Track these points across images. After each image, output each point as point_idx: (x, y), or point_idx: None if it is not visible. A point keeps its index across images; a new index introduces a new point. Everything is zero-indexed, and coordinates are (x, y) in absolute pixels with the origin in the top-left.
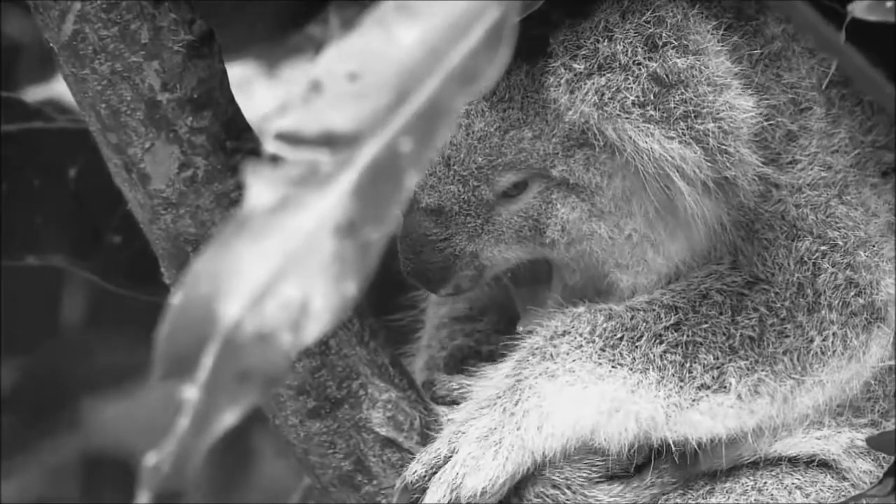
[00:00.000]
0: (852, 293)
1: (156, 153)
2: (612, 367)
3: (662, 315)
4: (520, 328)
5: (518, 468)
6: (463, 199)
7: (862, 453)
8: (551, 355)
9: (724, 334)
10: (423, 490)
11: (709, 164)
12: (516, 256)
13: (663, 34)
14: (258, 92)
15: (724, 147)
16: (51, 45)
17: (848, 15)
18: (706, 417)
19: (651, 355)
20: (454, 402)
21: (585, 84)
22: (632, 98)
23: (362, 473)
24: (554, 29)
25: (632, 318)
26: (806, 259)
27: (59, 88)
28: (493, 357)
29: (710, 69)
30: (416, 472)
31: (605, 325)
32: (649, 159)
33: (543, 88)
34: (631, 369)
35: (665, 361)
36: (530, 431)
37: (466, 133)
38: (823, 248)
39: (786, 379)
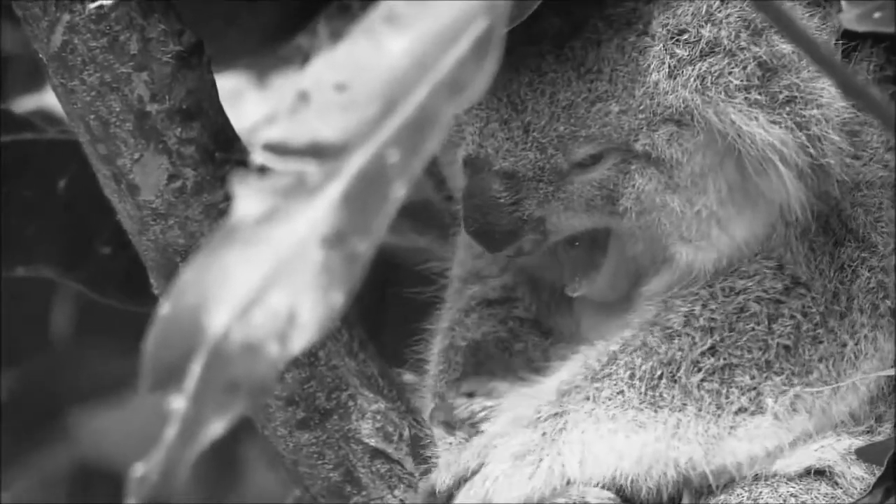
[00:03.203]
0: (881, 295)
1: (145, 164)
2: (654, 410)
3: (698, 339)
4: (568, 293)
5: (553, 491)
6: (538, 165)
7: (856, 459)
8: (594, 398)
9: (761, 348)
10: (450, 498)
11: (810, 149)
12: (582, 224)
13: (766, 21)
14: (247, 102)
15: (825, 134)
16: (40, 56)
17: (838, 27)
18: (744, 442)
19: (689, 387)
20: (475, 427)
21: (688, 69)
22: (735, 82)
23: (351, 484)
24: (647, 2)
25: (667, 351)
26: (846, 266)
27: (48, 99)
28: (525, 360)
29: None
30: (444, 481)
31: (643, 368)
32: (751, 143)
33: (637, 66)
34: (671, 409)
35: (702, 391)
36: (572, 462)
37: (550, 101)
38: (865, 254)
39: (822, 388)
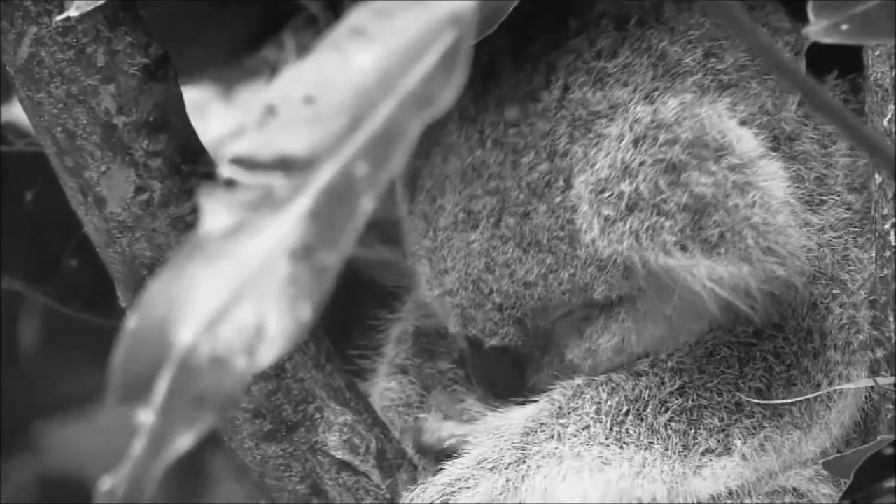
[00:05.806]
0: (854, 331)
1: (112, 176)
2: (619, 447)
3: (667, 379)
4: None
5: None
6: (522, 333)
7: (824, 479)
8: (559, 435)
9: (731, 392)
10: None
11: (757, 274)
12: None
13: (681, 156)
14: (214, 115)
15: (767, 253)
16: (7, 68)
17: (805, 40)
18: (709, 482)
19: (656, 426)
20: (442, 453)
21: (618, 226)
22: (669, 238)
23: (318, 496)
24: (563, 157)
25: (634, 388)
26: (819, 303)
27: (15, 112)
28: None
29: (735, 169)
30: None
31: (609, 403)
32: (699, 288)
33: (572, 226)
34: (637, 446)
35: (669, 431)
36: None
37: (511, 280)
38: (835, 291)
39: (792, 431)
